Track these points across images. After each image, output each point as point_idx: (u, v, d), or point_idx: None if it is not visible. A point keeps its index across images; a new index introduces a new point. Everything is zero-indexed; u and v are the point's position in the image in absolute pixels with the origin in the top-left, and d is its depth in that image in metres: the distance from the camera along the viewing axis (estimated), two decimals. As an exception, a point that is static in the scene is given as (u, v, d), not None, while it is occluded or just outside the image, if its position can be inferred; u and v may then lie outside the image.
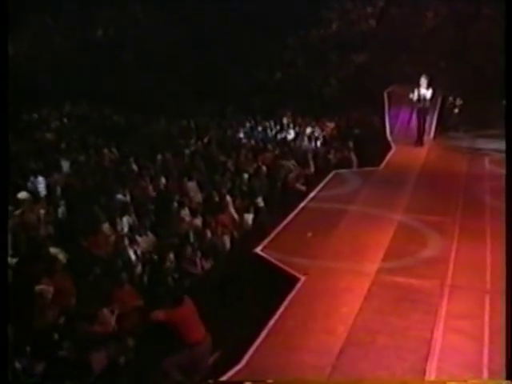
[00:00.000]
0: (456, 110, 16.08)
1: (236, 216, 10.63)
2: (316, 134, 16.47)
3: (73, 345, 6.57)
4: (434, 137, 14.95)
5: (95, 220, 9.66)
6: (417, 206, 9.64)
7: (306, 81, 22.62)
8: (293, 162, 13.41)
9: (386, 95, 17.37)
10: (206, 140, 15.37)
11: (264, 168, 12.44)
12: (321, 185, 10.83)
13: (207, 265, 8.64)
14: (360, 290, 6.71)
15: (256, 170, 12.28)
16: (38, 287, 7.62)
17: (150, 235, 9.69)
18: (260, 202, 11.69)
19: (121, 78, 20.94)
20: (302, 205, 9.64)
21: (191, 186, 11.34)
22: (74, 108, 19.69)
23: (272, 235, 8.26)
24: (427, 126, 13.64)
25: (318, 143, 16.15)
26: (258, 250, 7.73)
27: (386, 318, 6.12)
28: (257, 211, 11.64)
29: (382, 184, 11.09)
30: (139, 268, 8.51)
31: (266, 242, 7.99)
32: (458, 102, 16.15)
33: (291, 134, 16.43)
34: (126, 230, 9.95)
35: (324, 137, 16.84)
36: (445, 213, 9.42)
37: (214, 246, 9.60)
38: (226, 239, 9.83)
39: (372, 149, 14.69)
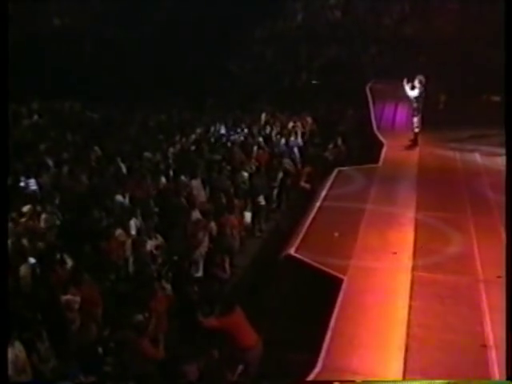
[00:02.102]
0: (441, 106, 16.82)
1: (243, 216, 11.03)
2: (298, 130, 16.88)
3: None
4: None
5: (108, 225, 9.84)
6: (428, 203, 10.26)
7: (277, 74, 23.04)
8: (288, 160, 13.86)
9: (368, 90, 18.02)
10: (192, 137, 15.57)
11: (264, 167, 12.81)
12: (328, 183, 11.32)
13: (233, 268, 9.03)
14: (403, 289, 7.22)
15: (257, 169, 12.62)
16: (64, 297, 7.79)
17: (160, 238, 9.91)
18: (261, 200, 12.11)
19: (92, 71, 20.82)
20: (318, 204, 10.09)
21: (195, 184, 11.59)
22: (43, 105, 19.43)
23: (300, 236, 8.66)
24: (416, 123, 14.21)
25: (299, 139, 16.55)
26: (292, 251, 8.12)
27: (436, 315, 6.64)
28: (256, 210, 12.10)
29: (387, 181, 11.68)
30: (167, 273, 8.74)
31: (296, 243, 8.39)
32: (443, 97, 16.89)
33: (274, 130, 16.80)
34: (134, 233, 10.15)
35: (304, 133, 17.30)
36: (456, 209, 10.08)
37: (231, 247, 10.01)
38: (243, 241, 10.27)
39: (362, 145, 15.35)
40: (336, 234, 8.80)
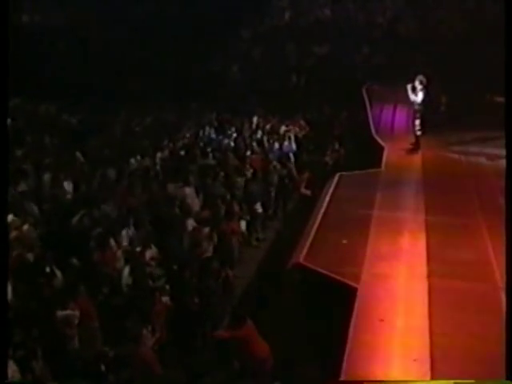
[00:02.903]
0: (442, 108, 17.06)
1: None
2: (292, 135, 17.03)
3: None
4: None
5: (99, 235, 9.85)
6: (437, 208, 10.41)
7: (266, 75, 23.20)
8: (284, 166, 13.98)
9: (364, 92, 18.24)
10: (181, 142, 15.63)
11: (260, 173, 12.91)
12: (330, 189, 11.42)
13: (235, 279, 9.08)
14: (421, 296, 7.33)
15: (253, 174, 12.71)
16: (62, 313, 7.78)
17: (154, 248, 9.94)
18: (258, 207, 12.21)
19: (67, 72, 20.79)
20: (322, 210, 10.18)
21: (188, 191, 11.65)
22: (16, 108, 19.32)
23: (307, 244, 8.74)
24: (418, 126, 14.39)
25: (293, 144, 16.69)
26: (301, 259, 8.19)
27: (459, 323, 6.75)
28: (252, 217, 12.20)
29: (392, 186, 11.81)
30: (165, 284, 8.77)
31: (304, 251, 8.46)
32: (444, 99, 17.14)
33: (266, 135, 16.93)
34: (126, 243, 10.18)
35: (297, 137, 17.44)
36: (467, 214, 10.24)
37: (232, 257, 10.07)
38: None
39: (360, 149, 15.53)
40: (344, 241, 8.91)
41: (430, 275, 7.88)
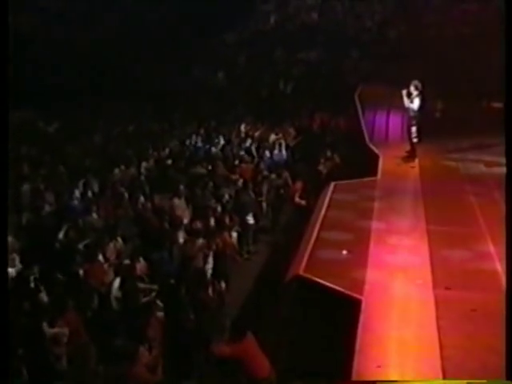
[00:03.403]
0: (437, 114, 17.24)
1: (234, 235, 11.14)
2: (282, 143, 17.10)
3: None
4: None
5: (86, 248, 9.83)
6: (438, 217, 10.50)
7: (252, 81, 23.30)
8: (275, 175, 14.04)
9: (356, 98, 18.38)
10: (167, 151, 15.65)
11: (250, 182, 12.96)
12: (326, 198, 11.48)
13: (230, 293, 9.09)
14: (428, 308, 7.38)
15: (243, 184, 12.75)
16: (50, 331, 7.74)
17: (143, 262, 9.94)
18: (250, 219, 12.24)
19: (45, 78, 20.71)
20: (320, 221, 10.23)
21: (178, 203, 11.66)
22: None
23: (306, 255, 8.77)
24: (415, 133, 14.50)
25: (284, 152, 16.76)
26: (301, 271, 8.22)
27: (469, 335, 6.80)
28: (244, 229, 12.24)
29: (390, 195, 11.90)
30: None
31: (303, 262, 8.49)
32: (439, 105, 17.32)
33: (255, 143, 17.00)
34: (113, 257, 10.17)
35: (288, 146, 17.52)
36: (469, 223, 10.35)
37: (224, 267, 10.08)
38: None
39: (354, 157, 15.63)
40: (344, 252, 8.96)
41: (435, 286, 7.93)
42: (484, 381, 5.60)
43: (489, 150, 14.91)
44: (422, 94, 14.26)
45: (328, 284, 7.82)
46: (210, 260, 9.56)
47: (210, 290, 8.80)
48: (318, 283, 7.89)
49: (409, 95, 14.21)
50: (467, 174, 13.43)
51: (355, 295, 7.57)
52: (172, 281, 9.13)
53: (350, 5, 28.51)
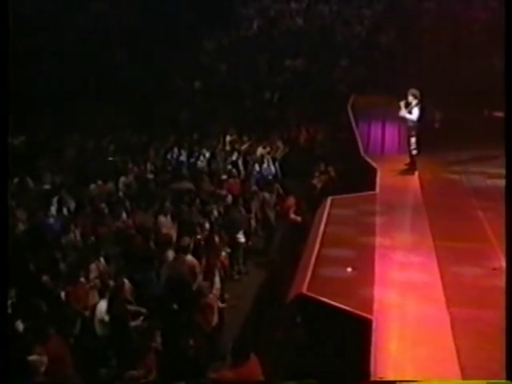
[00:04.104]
0: (436, 125, 17.52)
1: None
2: (270, 156, 17.27)
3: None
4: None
5: (68, 269, 9.84)
6: (444, 232, 10.69)
7: (235, 91, 23.45)
8: (265, 190, 14.18)
9: (349, 108, 18.61)
10: (148, 165, 15.71)
11: (240, 198, 13.07)
12: (324, 214, 11.62)
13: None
14: (443, 326, 7.51)
15: (233, 200, 12.85)
16: (27, 359, 7.71)
17: (128, 283, 9.97)
18: (241, 237, 12.33)
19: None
20: (319, 237, 10.35)
21: (163, 220, 11.72)
22: None
23: (308, 273, 8.87)
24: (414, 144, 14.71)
25: (272, 167, 16.90)
26: (304, 290, 8.31)
27: (490, 357, 6.92)
28: (234, 248, 12.33)
29: (391, 209, 12.10)
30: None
31: (306, 281, 8.59)
32: (438, 115, 17.61)
33: (241, 157, 17.14)
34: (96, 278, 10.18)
35: (275, 159, 17.67)
36: (478, 238, 10.54)
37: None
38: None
39: (349, 170, 15.83)
40: (349, 270, 9.07)
41: (449, 304, 8.06)
42: (503, 381, 5.82)
43: (492, 162, 15.16)
44: (420, 103, 14.50)
45: (334, 303, 7.90)
46: (217, 280, 9.58)
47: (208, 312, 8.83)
48: (324, 302, 7.97)
49: (407, 105, 14.44)
50: (471, 188, 13.66)
51: (365, 314, 7.65)
52: (162, 303, 9.09)
53: (337, 9, 28.75)
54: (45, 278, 9.81)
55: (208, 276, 9.51)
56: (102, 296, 9.43)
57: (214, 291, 9.29)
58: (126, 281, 9.85)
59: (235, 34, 27.72)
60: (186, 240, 10.40)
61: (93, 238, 11.55)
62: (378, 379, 6.02)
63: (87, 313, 9.37)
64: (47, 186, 14.14)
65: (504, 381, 5.82)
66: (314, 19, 28.61)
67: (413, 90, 14.61)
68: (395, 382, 5.89)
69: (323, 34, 27.32)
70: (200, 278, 9.52)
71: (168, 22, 24.82)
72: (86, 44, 22.85)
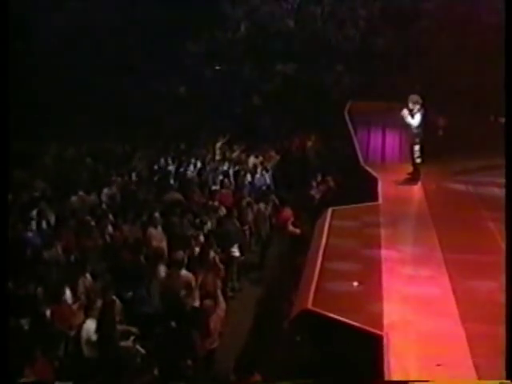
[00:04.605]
0: (440, 132, 17.66)
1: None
2: (263, 166, 17.36)
3: None
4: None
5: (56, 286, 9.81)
6: (453, 244, 10.76)
7: (222, 98, 23.53)
8: (260, 201, 14.23)
9: (346, 115, 18.72)
10: (133, 175, 15.72)
11: (234, 210, 13.10)
12: (325, 226, 11.66)
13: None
14: (460, 343, 7.54)
15: (227, 212, 12.87)
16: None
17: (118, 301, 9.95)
18: (235, 251, 12.35)
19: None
20: (321, 250, 10.39)
21: (154, 233, 11.73)
22: None
23: (312, 288, 8.89)
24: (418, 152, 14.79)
25: (267, 177, 17.01)
26: (309, 305, 8.33)
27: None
28: (228, 263, 12.35)
29: (396, 220, 12.19)
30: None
31: (310, 296, 8.61)
32: (441, 122, 17.75)
33: (232, 167, 17.22)
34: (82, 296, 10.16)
35: (267, 169, 17.76)
36: (489, 250, 10.60)
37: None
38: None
39: (349, 180, 15.92)
40: (355, 284, 9.10)
41: (463, 319, 8.09)
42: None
43: (500, 171, 15.23)
44: (423, 109, 14.60)
45: (342, 319, 7.91)
46: (221, 300, 9.58)
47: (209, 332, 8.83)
48: (331, 318, 7.98)
49: (409, 111, 14.54)
50: (480, 198, 13.78)
51: (375, 331, 7.67)
52: (155, 321, 9.09)
53: (330, 10, 28.84)
54: (27, 296, 9.75)
55: (209, 294, 9.48)
56: (88, 315, 9.38)
57: (219, 311, 9.26)
58: (114, 298, 9.81)
59: (222, 37, 27.76)
60: (180, 254, 10.36)
61: (77, 253, 11.48)
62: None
63: (73, 333, 9.31)
64: (26, 198, 14.05)
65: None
66: (305, 21, 28.64)
67: (413, 96, 14.70)
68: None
69: (316, 36, 27.38)
70: (196, 294, 9.48)
71: (150, 24, 24.88)
72: (65, 50, 22.78)
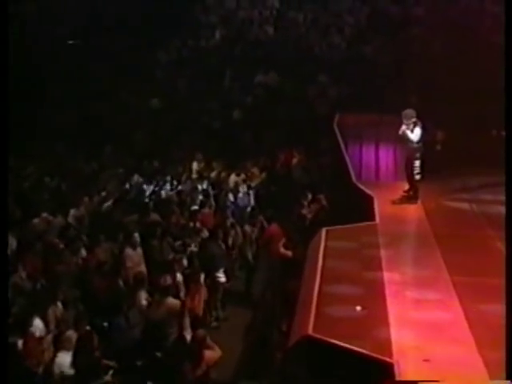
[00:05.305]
0: (438, 147, 17.85)
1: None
2: (246, 184, 17.44)
3: None
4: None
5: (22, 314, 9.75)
6: (463, 267, 10.86)
7: (197, 111, 23.58)
8: (246, 222, 14.30)
9: (336, 128, 18.84)
10: (103, 194, 15.71)
11: (219, 232, 13.14)
12: (320, 247, 11.72)
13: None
14: (478, 371, 7.60)
15: (210, 234, 12.90)
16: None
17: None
18: (221, 276, 12.37)
19: None
20: (319, 273, 10.44)
21: (130, 253, 11.72)
22: None
23: (312, 313, 8.92)
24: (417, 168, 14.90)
25: (251, 196, 17.08)
26: (310, 331, 8.36)
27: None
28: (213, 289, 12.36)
29: (396, 241, 12.30)
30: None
31: (310, 321, 8.64)
32: (439, 136, 17.94)
33: (211, 185, 17.29)
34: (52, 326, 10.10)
35: (250, 187, 17.83)
36: (498, 273, 10.72)
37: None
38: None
39: (341, 199, 16.02)
40: (358, 308, 9.15)
41: (479, 346, 8.17)
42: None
43: (504, 189, 15.45)
44: (420, 122, 14.74)
45: (348, 345, 7.94)
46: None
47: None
48: (335, 345, 8.00)
49: (407, 127, 14.69)
50: (486, 217, 13.93)
51: (384, 358, 7.71)
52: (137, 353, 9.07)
53: (312, 17, 29.06)
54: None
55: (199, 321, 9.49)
56: (60, 347, 9.33)
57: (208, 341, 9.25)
58: (89, 328, 9.77)
59: (195, 45, 27.84)
60: (164, 279, 10.37)
61: (45, 280, 11.41)
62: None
63: (41, 368, 9.24)
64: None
65: (504, 381, 6.29)
66: (286, 28, 28.84)
67: (407, 112, 14.78)
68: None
69: (298, 45, 27.51)
70: (187, 322, 9.48)
71: (117, 30, 24.92)
72: (27, 62, 22.75)
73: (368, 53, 26.26)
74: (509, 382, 6.17)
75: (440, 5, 26.23)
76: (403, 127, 14.57)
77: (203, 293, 11.08)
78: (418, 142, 14.66)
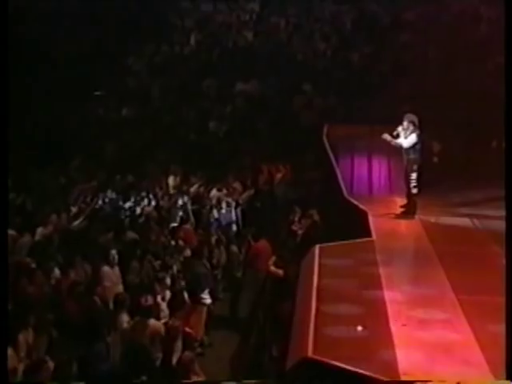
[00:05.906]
0: (435, 159, 17.99)
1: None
2: (228, 200, 17.49)
3: None
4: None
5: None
6: (469, 286, 10.94)
7: (173, 122, 23.61)
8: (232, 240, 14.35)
9: (325, 140, 18.96)
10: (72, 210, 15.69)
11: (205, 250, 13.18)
12: (314, 264, 11.78)
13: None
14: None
15: (193, 253, 12.93)
16: None
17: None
18: (206, 297, 12.39)
19: None
20: (314, 292, 10.48)
21: (109, 272, 11.71)
22: None
23: (309, 333, 8.96)
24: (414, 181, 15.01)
25: (233, 213, 17.14)
26: (309, 353, 8.38)
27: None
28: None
29: (394, 259, 12.48)
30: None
31: (309, 343, 8.67)
32: (436, 147, 18.09)
33: (190, 201, 17.32)
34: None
35: (230, 203, 17.87)
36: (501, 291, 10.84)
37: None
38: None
39: (336, 214, 16.10)
40: (360, 328, 9.19)
41: (492, 369, 8.22)
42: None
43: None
44: (419, 130, 14.86)
45: (351, 368, 7.97)
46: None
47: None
48: (338, 367, 8.02)
49: (404, 130, 14.80)
50: (489, 233, 14.05)
51: (392, 380, 7.75)
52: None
53: (296, 22, 29.17)
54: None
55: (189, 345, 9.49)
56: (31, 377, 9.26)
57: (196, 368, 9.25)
58: (65, 357, 9.72)
59: (168, 51, 27.88)
60: (147, 300, 10.36)
61: (14, 303, 11.31)
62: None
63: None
64: None
65: (504, 381, 6.58)
66: (267, 33, 28.93)
67: (410, 116, 14.95)
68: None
69: (279, 51, 27.58)
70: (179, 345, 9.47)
71: (85, 35, 24.92)
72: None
73: (355, 60, 26.32)
74: (509, 382, 6.35)
75: (432, 9, 26.23)
76: (399, 128, 14.66)
77: (195, 313, 11.02)
78: (414, 153, 14.75)
